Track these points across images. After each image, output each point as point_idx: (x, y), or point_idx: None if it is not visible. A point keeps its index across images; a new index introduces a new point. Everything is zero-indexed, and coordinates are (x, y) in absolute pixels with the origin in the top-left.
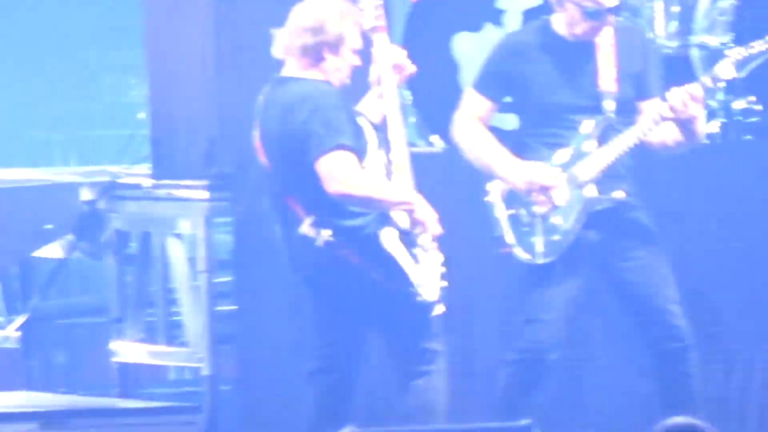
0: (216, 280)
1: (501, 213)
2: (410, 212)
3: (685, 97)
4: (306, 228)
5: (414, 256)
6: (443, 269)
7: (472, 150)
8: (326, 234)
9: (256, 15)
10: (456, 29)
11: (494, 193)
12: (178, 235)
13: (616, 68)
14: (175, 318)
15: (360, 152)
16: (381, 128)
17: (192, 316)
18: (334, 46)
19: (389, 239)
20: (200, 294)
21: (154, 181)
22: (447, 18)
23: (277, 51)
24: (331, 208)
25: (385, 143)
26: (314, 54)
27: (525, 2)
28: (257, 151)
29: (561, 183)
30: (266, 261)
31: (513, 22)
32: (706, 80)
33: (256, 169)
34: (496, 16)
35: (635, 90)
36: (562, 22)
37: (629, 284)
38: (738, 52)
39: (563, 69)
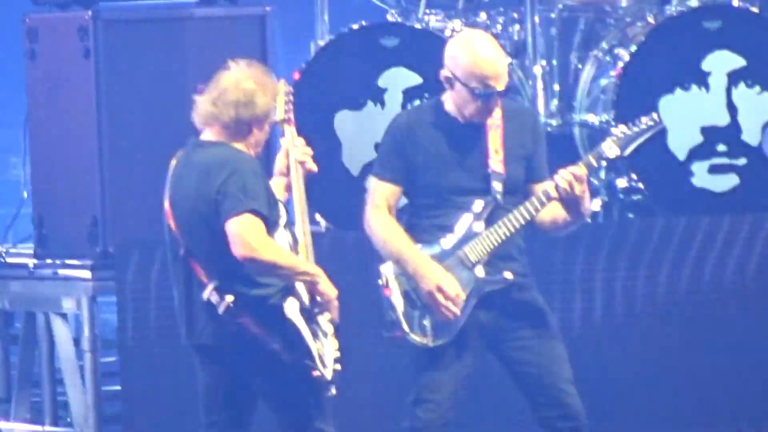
0: (102, 360)
1: (396, 297)
2: (314, 285)
3: (570, 178)
4: (209, 293)
5: (315, 332)
6: (338, 354)
7: (386, 243)
8: (229, 300)
9: (139, 93)
10: (338, 107)
11: (387, 277)
12: (63, 315)
13: (503, 149)
14: (61, 398)
15: (272, 224)
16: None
17: (78, 396)
18: (261, 121)
19: (292, 310)
20: (86, 373)
21: (37, 261)
22: (329, 96)
23: (197, 119)
24: (236, 276)
25: (290, 223)
26: (241, 128)
27: (406, 81)
28: (165, 214)
29: (460, 307)
30: (152, 340)
31: (394, 100)
32: (592, 159)
33: (140, 246)
34: (377, 94)
35: (526, 171)
36: (452, 103)
37: (520, 363)
38: (622, 131)
39: (454, 149)
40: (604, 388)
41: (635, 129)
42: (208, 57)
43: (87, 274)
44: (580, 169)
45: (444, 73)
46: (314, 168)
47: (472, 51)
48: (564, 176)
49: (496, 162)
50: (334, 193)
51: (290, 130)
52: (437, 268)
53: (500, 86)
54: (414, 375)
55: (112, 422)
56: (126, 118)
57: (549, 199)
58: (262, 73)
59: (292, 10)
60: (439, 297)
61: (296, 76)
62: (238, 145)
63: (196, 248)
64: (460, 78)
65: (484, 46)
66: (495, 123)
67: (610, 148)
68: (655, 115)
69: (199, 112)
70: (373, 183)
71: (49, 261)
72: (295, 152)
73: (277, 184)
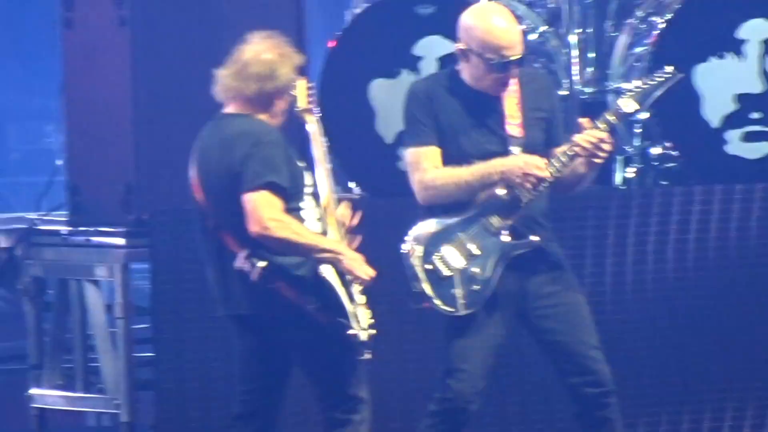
0: (134, 327)
1: (419, 266)
2: (336, 262)
3: (592, 139)
4: (241, 261)
5: (350, 294)
6: (372, 321)
7: (454, 184)
8: (261, 266)
9: (174, 63)
10: (372, 76)
11: (411, 245)
12: (96, 282)
13: (521, 113)
14: (92, 364)
15: (296, 194)
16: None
17: (110, 363)
18: (282, 92)
19: (327, 271)
20: (118, 340)
21: (71, 228)
22: (363, 64)
23: (220, 93)
24: (268, 246)
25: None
26: (264, 100)
27: (441, 49)
28: (192, 187)
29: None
30: (185, 308)
31: (429, 68)
32: (610, 117)
33: (174, 214)
34: (412, 63)
35: (545, 135)
36: (468, 75)
37: (547, 331)
38: (636, 85)
39: (471, 116)
40: (632, 352)
41: (651, 82)
42: (243, 28)
43: (120, 241)
44: (601, 132)
45: (459, 46)
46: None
47: (486, 22)
48: (586, 137)
49: (513, 126)
50: (368, 161)
51: (313, 120)
52: (497, 159)
53: (516, 55)
54: (445, 346)
55: (144, 388)
56: (160, 87)
57: (572, 159)
58: (282, 45)
59: None
60: (528, 170)
61: (331, 44)
62: (261, 117)
63: (224, 219)
64: (475, 50)
65: (497, 16)
66: (511, 88)
67: (627, 104)
68: (668, 68)
69: (222, 87)
70: (412, 153)
71: (82, 228)
72: (317, 139)
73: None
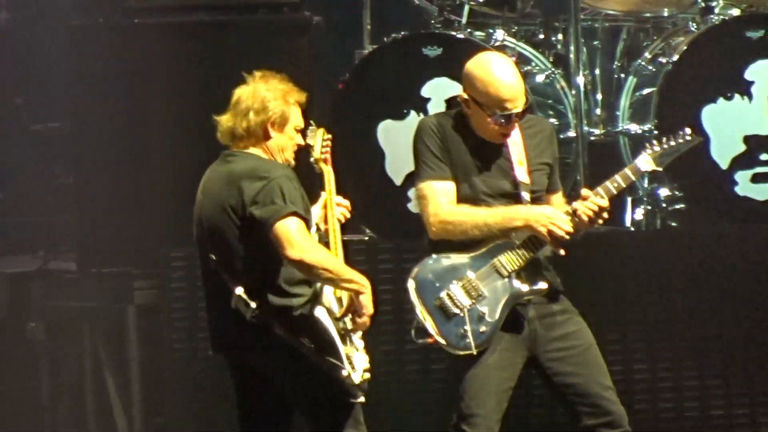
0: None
1: (421, 303)
2: (356, 294)
3: (593, 206)
4: (237, 300)
5: (343, 336)
6: (368, 366)
7: (473, 219)
8: (255, 305)
9: (180, 101)
10: (381, 117)
11: (416, 280)
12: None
13: (527, 160)
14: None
15: (308, 226)
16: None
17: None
18: (278, 124)
19: (321, 313)
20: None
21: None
22: (372, 106)
23: (222, 136)
24: (263, 284)
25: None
26: (257, 132)
27: (449, 91)
28: (195, 225)
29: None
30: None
31: (437, 110)
32: (629, 172)
33: (182, 254)
34: (421, 104)
35: (548, 180)
36: (471, 120)
37: (560, 373)
38: (658, 146)
39: (482, 156)
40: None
41: (672, 144)
42: (251, 65)
43: (130, 281)
44: (601, 201)
45: (461, 95)
46: (347, 214)
47: (488, 74)
48: (588, 206)
49: (521, 173)
50: (377, 203)
51: (327, 171)
52: (521, 207)
53: (516, 108)
54: (456, 390)
55: None
56: (167, 125)
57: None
58: (277, 81)
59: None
60: (555, 223)
61: (340, 86)
62: (260, 151)
63: (223, 257)
64: (477, 101)
65: (500, 68)
66: (515, 135)
67: (646, 162)
68: (690, 131)
69: (221, 131)
70: (427, 187)
71: (94, 270)
72: (331, 189)
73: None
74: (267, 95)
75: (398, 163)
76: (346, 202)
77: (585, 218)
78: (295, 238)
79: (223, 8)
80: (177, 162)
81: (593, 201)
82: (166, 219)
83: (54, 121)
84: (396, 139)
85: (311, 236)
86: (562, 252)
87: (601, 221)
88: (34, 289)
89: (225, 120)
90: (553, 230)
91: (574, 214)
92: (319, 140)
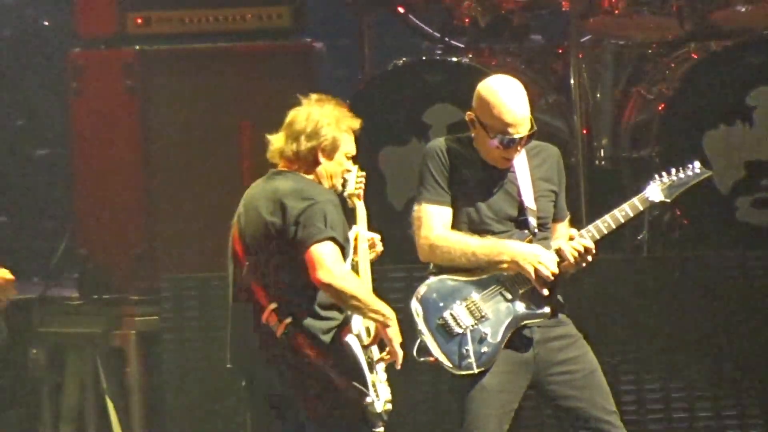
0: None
1: (426, 321)
2: (384, 326)
3: (579, 248)
4: (268, 315)
5: (370, 363)
6: (390, 397)
7: (462, 247)
8: (287, 322)
9: (184, 129)
10: (382, 143)
11: (419, 301)
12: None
13: (533, 186)
14: None
15: (344, 256)
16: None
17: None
18: (328, 151)
19: (350, 338)
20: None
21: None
22: (373, 132)
23: (272, 155)
24: (297, 303)
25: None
26: (307, 157)
27: (450, 117)
28: (232, 239)
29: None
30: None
31: (438, 136)
32: (638, 202)
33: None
34: (422, 131)
35: (554, 207)
36: (476, 142)
37: (563, 397)
38: (669, 177)
39: (488, 179)
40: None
41: (681, 176)
42: (254, 93)
43: (132, 309)
44: (587, 242)
45: (469, 115)
46: (380, 249)
47: (495, 97)
48: (574, 247)
49: (528, 198)
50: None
51: (360, 206)
52: (511, 242)
53: (520, 134)
54: (458, 412)
55: None
56: (171, 153)
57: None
58: (333, 106)
59: (343, 45)
60: (543, 262)
61: None
62: (310, 176)
63: (260, 272)
64: (482, 122)
65: (508, 92)
66: (521, 161)
67: (656, 194)
68: (699, 164)
69: (271, 150)
70: (423, 209)
71: (95, 297)
72: (363, 224)
73: None
74: (320, 120)
75: (399, 189)
76: (377, 236)
77: (571, 259)
78: (327, 262)
79: (225, 35)
80: (179, 188)
81: (579, 242)
82: (167, 246)
83: (56, 146)
84: (397, 164)
85: (344, 264)
86: (545, 292)
87: (585, 264)
88: (35, 316)
89: (276, 140)
90: (540, 270)
91: (558, 254)
92: (353, 175)
